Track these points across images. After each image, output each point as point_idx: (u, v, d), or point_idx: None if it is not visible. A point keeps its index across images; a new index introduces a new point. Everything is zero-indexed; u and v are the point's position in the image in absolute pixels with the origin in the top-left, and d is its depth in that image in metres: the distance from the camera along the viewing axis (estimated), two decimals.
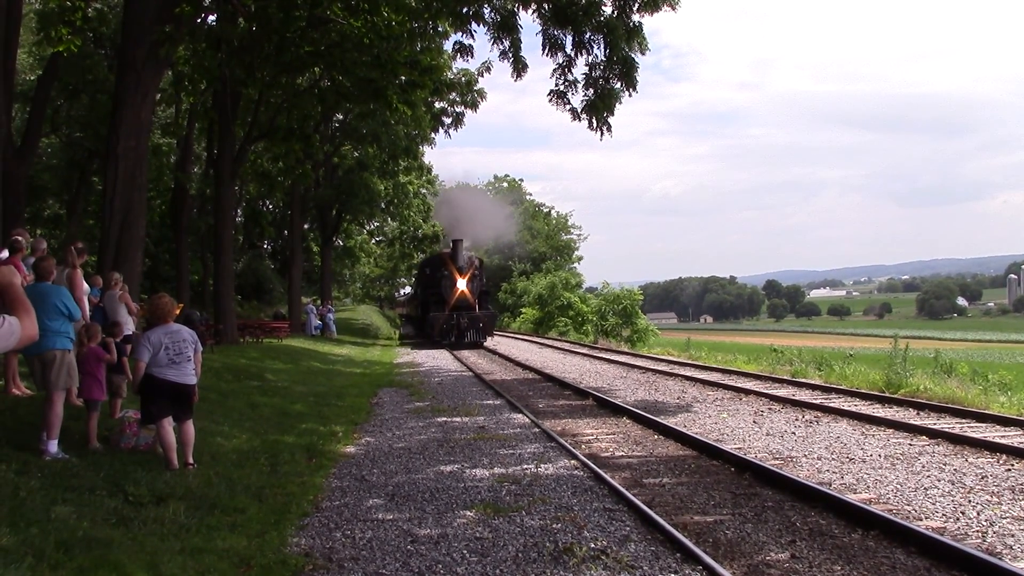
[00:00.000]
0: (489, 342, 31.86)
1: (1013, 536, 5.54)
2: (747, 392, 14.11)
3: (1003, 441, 8.79)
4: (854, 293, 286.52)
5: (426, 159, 41.05)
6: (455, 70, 28.32)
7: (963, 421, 10.54)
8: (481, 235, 45.12)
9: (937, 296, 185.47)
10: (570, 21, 15.11)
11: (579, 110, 15.88)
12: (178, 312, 12.78)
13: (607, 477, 7.09)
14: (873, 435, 9.60)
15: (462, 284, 30.73)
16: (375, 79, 16.17)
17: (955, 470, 7.62)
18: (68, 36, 15.54)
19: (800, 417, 11.22)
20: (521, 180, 76.62)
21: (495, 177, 73.29)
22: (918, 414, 11.20)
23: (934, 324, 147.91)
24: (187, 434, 6.92)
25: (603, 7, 14.95)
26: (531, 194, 75.14)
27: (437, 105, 30.51)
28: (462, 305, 30.60)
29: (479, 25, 15.72)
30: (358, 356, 26.15)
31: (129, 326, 9.32)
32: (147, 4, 13.03)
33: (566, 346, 31.83)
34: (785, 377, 16.54)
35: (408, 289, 63.31)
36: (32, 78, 24.20)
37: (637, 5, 14.73)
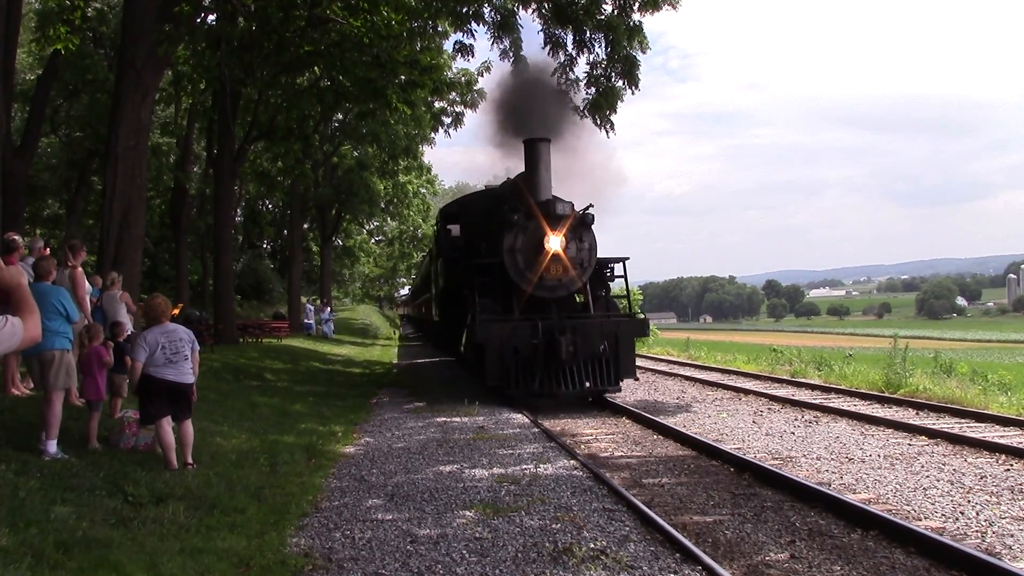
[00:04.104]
0: None
1: (1012, 536, 5.55)
2: (746, 392, 14.11)
3: (1002, 441, 8.80)
4: (853, 293, 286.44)
5: (426, 159, 41.02)
6: (455, 70, 28.32)
7: (962, 421, 10.54)
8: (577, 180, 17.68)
9: (936, 296, 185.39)
10: (570, 20, 15.11)
11: (581, 109, 15.88)
12: (177, 312, 12.81)
13: (607, 477, 7.09)
14: (872, 435, 9.60)
15: (556, 244, 12.62)
16: (375, 79, 16.19)
17: (954, 470, 7.62)
18: (67, 34, 15.54)
19: (799, 417, 11.22)
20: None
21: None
22: (917, 414, 11.20)
23: (933, 324, 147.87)
24: (186, 434, 6.91)
25: (603, 6, 14.95)
26: None
27: (437, 105, 30.49)
28: (554, 294, 12.91)
29: (479, 25, 15.72)
30: (358, 356, 26.15)
31: (130, 326, 9.32)
32: (147, 4, 13.02)
33: None
34: (784, 377, 16.54)
35: (407, 291, 62.65)
36: (32, 78, 24.18)
37: (638, 4, 14.73)
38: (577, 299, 13.47)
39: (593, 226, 12.97)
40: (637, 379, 13.95)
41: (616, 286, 14.43)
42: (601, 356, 12.20)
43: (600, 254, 13.24)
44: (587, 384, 12.11)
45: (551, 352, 11.89)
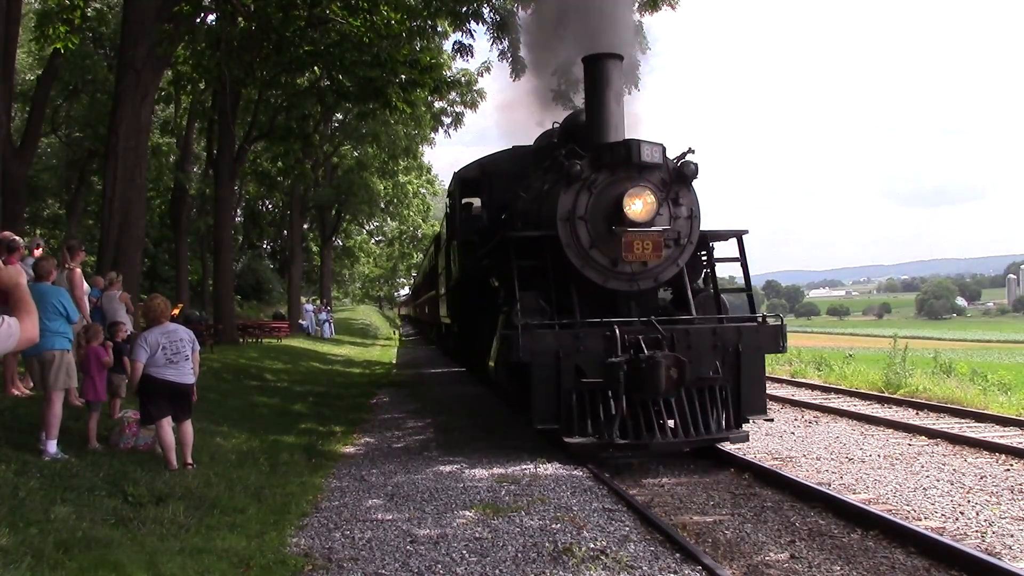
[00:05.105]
0: None
1: (1012, 536, 5.55)
2: None
3: (1002, 441, 8.81)
4: (853, 293, 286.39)
5: (425, 159, 41.07)
6: (455, 70, 28.32)
7: (962, 421, 10.55)
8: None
9: (936, 296, 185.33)
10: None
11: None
12: (177, 312, 12.81)
13: (606, 477, 7.09)
14: (872, 435, 9.61)
15: (641, 207, 8.13)
16: (375, 78, 16.15)
17: (954, 470, 7.63)
18: (66, 34, 15.52)
19: (799, 417, 11.23)
20: None
21: None
22: (917, 414, 11.21)
23: (933, 324, 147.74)
24: (186, 434, 6.92)
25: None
26: None
27: (437, 105, 30.47)
28: (634, 285, 8.42)
29: (478, 24, 15.71)
30: (358, 356, 26.15)
31: (129, 326, 9.32)
32: (147, 4, 13.02)
33: None
34: (784, 377, 16.56)
35: (407, 291, 62.50)
36: (32, 78, 24.18)
37: (637, 5, 14.75)
38: (662, 293, 9.21)
39: (695, 182, 8.53)
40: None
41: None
42: (714, 383, 8.04)
43: None
44: (692, 425, 7.76)
45: (641, 377, 7.58)
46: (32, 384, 8.25)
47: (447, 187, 15.62)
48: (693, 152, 8.47)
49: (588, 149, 8.47)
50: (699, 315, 8.58)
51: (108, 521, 5.10)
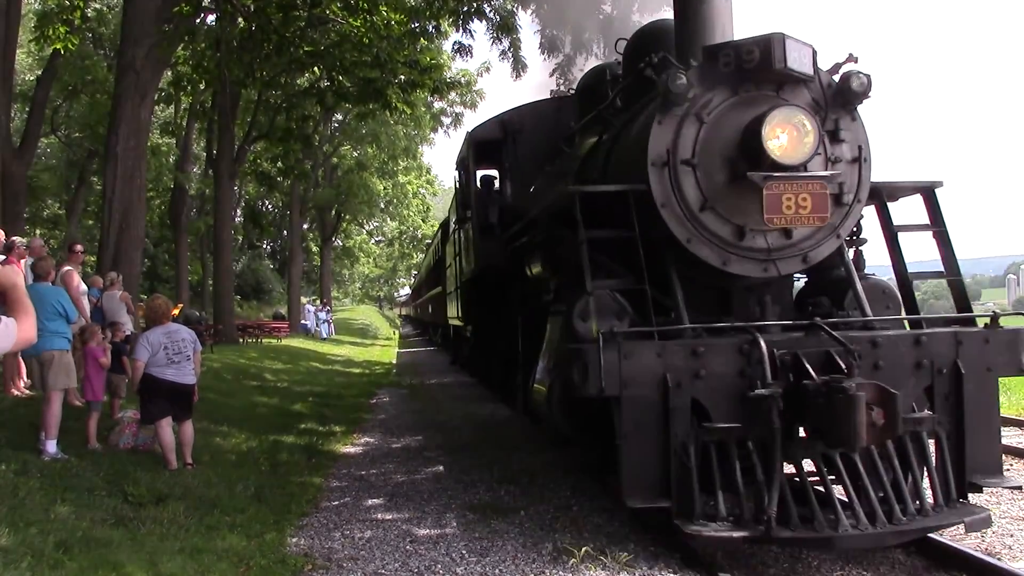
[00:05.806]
0: None
1: (1012, 536, 5.54)
2: None
3: (1002, 441, 8.78)
4: None
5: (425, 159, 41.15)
6: (455, 70, 28.37)
7: None
8: None
9: (936, 296, 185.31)
10: (569, 20, 15.12)
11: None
12: (177, 312, 12.82)
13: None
14: None
15: (784, 140, 4.78)
16: (375, 79, 16.17)
17: None
18: (66, 34, 15.53)
19: None
20: None
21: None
22: None
23: None
24: (186, 434, 6.92)
25: (603, 6, 14.96)
26: None
27: (437, 105, 30.50)
28: (768, 269, 5.18)
29: (480, 21, 15.69)
30: (357, 356, 26.16)
31: (129, 326, 9.32)
32: (147, 4, 13.02)
33: None
34: None
35: (407, 291, 62.41)
36: (31, 78, 24.22)
37: (636, 4, 14.74)
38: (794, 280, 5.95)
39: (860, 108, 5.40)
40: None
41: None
42: (920, 427, 4.88)
43: None
44: (902, 507, 4.64)
45: (817, 420, 4.61)
46: (30, 382, 8.25)
47: (457, 154, 11.32)
48: (856, 60, 5.37)
49: (686, 61, 5.44)
50: (878, 315, 5.50)
51: (108, 521, 5.11)
